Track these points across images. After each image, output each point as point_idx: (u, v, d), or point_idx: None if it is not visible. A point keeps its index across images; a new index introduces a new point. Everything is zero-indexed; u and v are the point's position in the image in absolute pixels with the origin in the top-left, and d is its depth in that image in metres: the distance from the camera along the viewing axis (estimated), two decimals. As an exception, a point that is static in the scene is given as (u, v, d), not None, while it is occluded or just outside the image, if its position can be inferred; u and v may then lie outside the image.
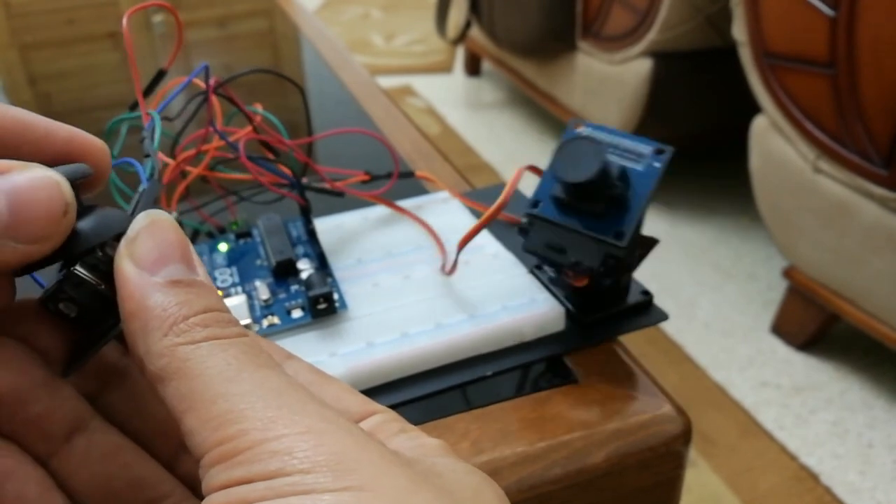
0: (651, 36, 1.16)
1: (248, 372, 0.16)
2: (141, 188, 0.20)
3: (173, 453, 0.20)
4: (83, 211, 0.17)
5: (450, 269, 0.35)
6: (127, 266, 0.17)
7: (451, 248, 0.36)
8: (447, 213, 0.41)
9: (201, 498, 0.15)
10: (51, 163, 0.17)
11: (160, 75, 0.36)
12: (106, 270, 0.17)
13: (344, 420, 0.16)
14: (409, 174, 0.44)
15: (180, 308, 0.16)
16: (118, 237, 0.17)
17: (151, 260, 0.17)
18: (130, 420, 0.19)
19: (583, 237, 0.30)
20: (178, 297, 0.16)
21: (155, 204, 0.19)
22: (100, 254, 0.17)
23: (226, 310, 0.17)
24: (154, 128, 0.22)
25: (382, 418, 0.19)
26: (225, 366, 0.16)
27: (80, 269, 0.17)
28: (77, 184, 0.17)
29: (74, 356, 0.19)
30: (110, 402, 0.19)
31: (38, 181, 0.16)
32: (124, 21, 0.24)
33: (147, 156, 0.21)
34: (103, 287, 0.18)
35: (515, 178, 0.32)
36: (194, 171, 0.37)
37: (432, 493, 0.15)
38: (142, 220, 0.17)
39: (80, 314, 0.18)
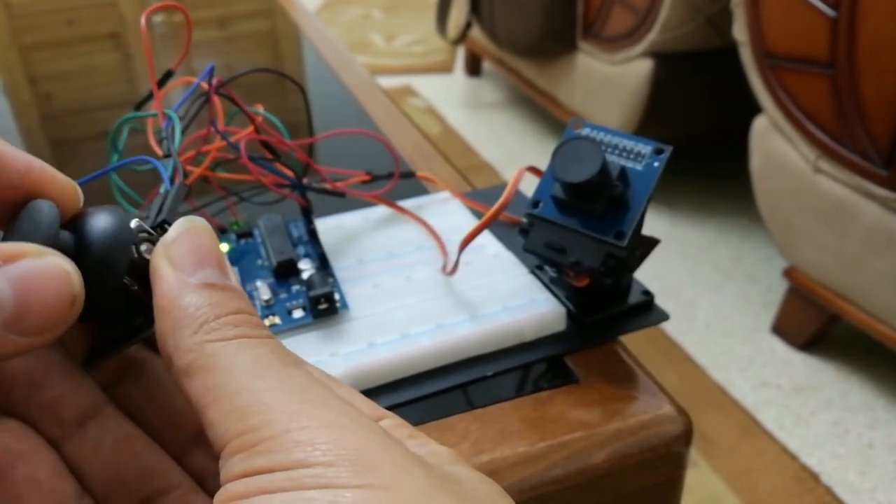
0: (651, 36, 1.16)
1: (275, 369, 0.16)
2: (163, 188, 0.20)
3: (184, 447, 0.20)
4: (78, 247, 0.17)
5: (451, 270, 0.35)
6: (164, 266, 0.17)
7: (452, 248, 0.36)
8: (448, 213, 0.41)
9: (210, 491, 0.15)
10: (1, 193, 0.17)
11: (167, 75, 0.36)
12: (140, 272, 0.18)
13: (366, 419, 0.16)
14: (410, 174, 0.44)
15: (212, 308, 0.17)
16: (141, 238, 0.18)
17: (188, 263, 0.17)
18: (143, 411, 0.20)
19: (583, 237, 0.30)
20: (211, 299, 0.17)
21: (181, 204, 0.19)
22: (136, 256, 0.18)
23: (256, 314, 0.18)
24: (173, 128, 0.22)
25: (390, 423, 0.19)
26: (252, 361, 0.16)
27: None
28: (58, 232, 0.17)
29: (97, 351, 0.19)
30: (124, 393, 0.20)
31: (48, 271, 0.16)
32: (142, 20, 0.24)
33: (168, 156, 0.21)
34: (136, 288, 0.18)
35: (516, 179, 0.32)
36: (196, 171, 0.37)
37: (451, 499, 0.15)
38: (181, 224, 0.18)
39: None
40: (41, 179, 0.17)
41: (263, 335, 0.17)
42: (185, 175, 0.21)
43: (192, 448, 0.20)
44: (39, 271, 0.16)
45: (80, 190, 0.18)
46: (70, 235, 0.17)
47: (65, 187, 0.18)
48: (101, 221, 0.18)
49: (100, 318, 0.18)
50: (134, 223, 0.18)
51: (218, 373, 0.16)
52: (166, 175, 0.20)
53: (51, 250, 0.16)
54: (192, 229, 0.18)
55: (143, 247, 0.18)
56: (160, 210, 0.19)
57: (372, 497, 0.14)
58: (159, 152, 0.23)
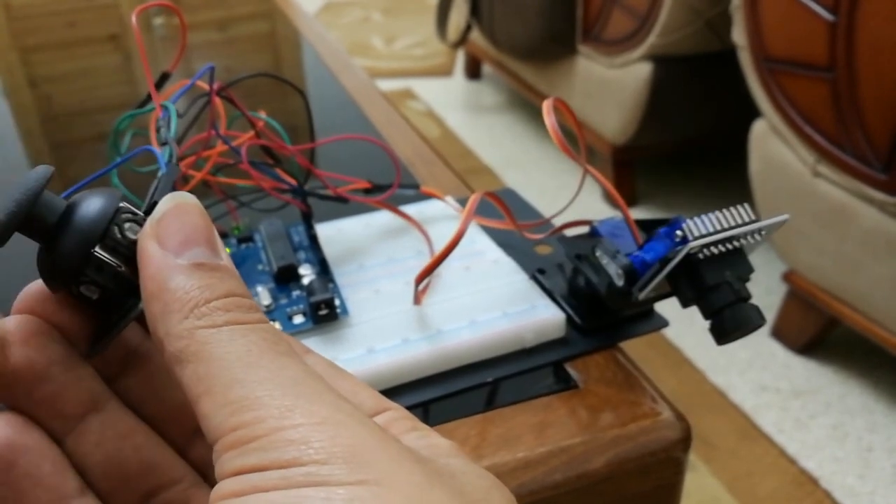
0: (651, 40, 1.17)
1: (268, 359, 0.16)
2: (160, 174, 0.20)
3: (187, 439, 0.20)
4: (62, 219, 0.17)
5: (417, 301, 0.34)
6: (151, 247, 0.17)
7: (451, 254, 0.36)
8: (447, 218, 0.41)
9: (212, 484, 0.15)
10: None
11: (164, 77, 0.36)
12: (126, 253, 0.17)
13: (360, 413, 0.16)
14: (413, 187, 0.43)
15: (202, 291, 0.16)
16: (124, 218, 0.18)
17: (176, 242, 0.17)
18: (146, 404, 0.19)
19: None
20: (200, 280, 0.16)
21: (173, 188, 0.19)
22: (119, 236, 0.17)
23: (248, 295, 0.17)
24: (169, 117, 0.22)
25: (394, 415, 0.19)
26: (244, 351, 0.16)
27: (100, 252, 0.17)
28: (43, 189, 0.17)
29: (97, 338, 0.19)
30: (127, 385, 0.19)
31: None
32: (133, 19, 0.24)
33: (164, 144, 0.21)
34: (124, 269, 0.17)
35: (470, 209, 0.32)
36: (197, 176, 0.37)
37: (446, 493, 0.15)
38: (168, 202, 0.17)
39: (101, 297, 0.18)
40: None
41: (256, 319, 0.16)
42: (176, 159, 0.21)
43: (195, 440, 0.20)
44: None
45: None
46: (63, 201, 0.18)
47: None
48: (93, 195, 0.18)
49: (71, 282, 0.17)
50: (120, 204, 0.18)
51: (210, 362, 0.15)
52: (163, 161, 0.20)
53: None
54: (180, 206, 0.17)
55: (127, 226, 0.17)
56: (153, 193, 0.19)
57: (365, 493, 0.14)
58: (159, 147, 0.23)
